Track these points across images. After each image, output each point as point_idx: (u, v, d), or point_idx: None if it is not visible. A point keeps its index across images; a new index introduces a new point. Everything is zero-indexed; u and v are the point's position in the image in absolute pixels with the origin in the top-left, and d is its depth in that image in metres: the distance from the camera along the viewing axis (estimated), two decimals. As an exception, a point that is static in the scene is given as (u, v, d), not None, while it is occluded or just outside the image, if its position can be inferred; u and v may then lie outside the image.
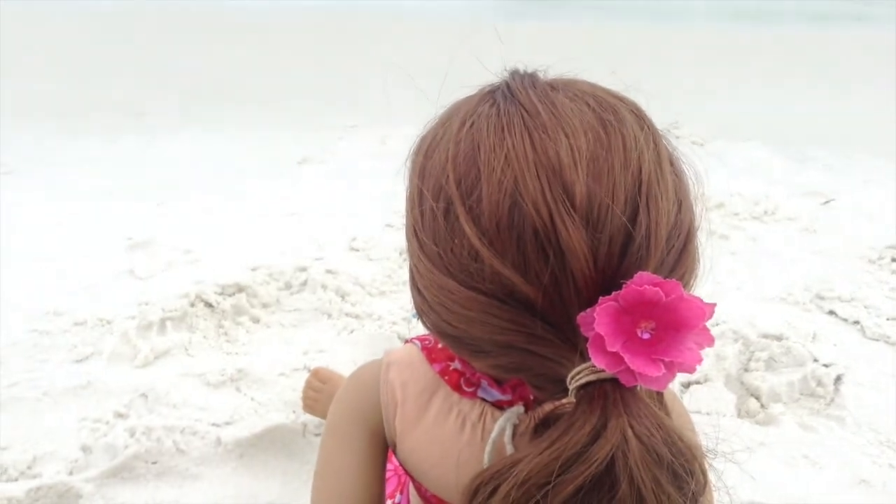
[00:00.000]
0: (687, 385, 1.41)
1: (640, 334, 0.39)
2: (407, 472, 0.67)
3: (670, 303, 0.38)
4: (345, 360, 1.45)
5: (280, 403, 1.34)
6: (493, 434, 0.55)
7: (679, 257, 0.44)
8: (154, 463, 1.19)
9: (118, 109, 3.17)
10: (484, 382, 0.59)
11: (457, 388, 0.60)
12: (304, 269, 1.75)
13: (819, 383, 1.40)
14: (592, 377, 0.40)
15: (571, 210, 0.40)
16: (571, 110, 0.44)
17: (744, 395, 1.41)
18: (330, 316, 1.63)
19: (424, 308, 0.49)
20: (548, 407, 0.50)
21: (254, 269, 1.75)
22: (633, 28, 4.69)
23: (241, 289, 1.65)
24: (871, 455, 1.25)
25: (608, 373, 0.39)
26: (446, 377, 0.60)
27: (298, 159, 2.63)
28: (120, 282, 1.75)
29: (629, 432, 0.38)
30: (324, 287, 1.69)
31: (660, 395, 0.45)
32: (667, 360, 0.38)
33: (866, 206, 2.31)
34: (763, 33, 4.80)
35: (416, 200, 0.48)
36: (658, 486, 0.38)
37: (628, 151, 0.43)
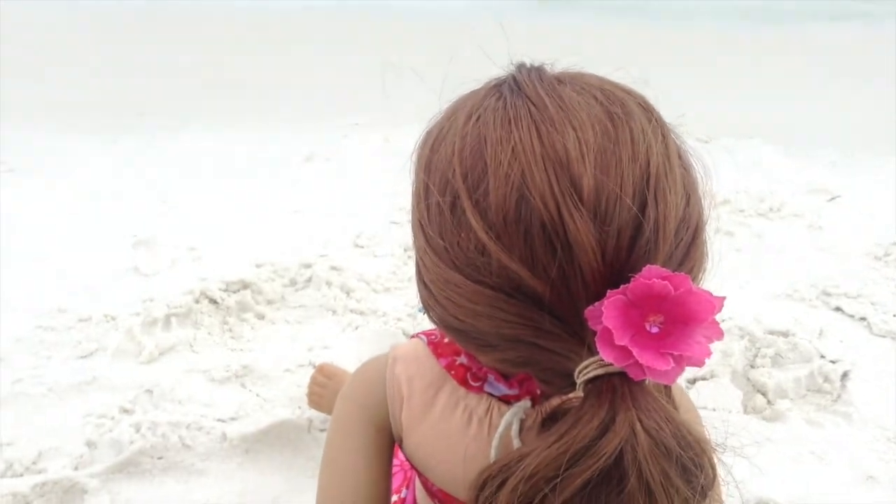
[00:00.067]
0: (693, 381, 1.40)
1: (648, 328, 0.38)
2: (413, 467, 0.66)
3: (679, 296, 0.38)
4: (350, 357, 1.45)
5: (285, 399, 1.34)
6: (500, 428, 0.55)
7: (687, 251, 0.44)
8: (159, 458, 1.19)
9: (118, 108, 3.17)
10: (490, 377, 0.59)
11: (463, 382, 0.59)
12: (308, 266, 1.75)
13: (826, 379, 1.40)
14: (601, 371, 0.40)
15: (579, 203, 0.40)
16: (579, 103, 0.44)
17: (750, 391, 1.41)
18: (335, 312, 1.63)
19: (431, 302, 0.49)
20: (555, 401, 0.50)
21: (258, 266, 1.75)
22: (637, 26, 4.67)
23: (245, 285, 1.65)
24: (878, 451, 1.25)
25: (616, 367, 0.39)
26: (452, 372, 0.60)
27: (302, 157, 2.63)
28: (124, 279, 1.75)
29: (638, 426, 0.38)
30: (328, 284, 1.69)
31: (668, 389, 0.45)
32: (675, 353, 0.38)
33: (872, 202, 2.30)
34: (769, 32, 4.78)
35: (423, 194, 0.48)
36: (667, 480, 0.38)
37: (636, 144, 0.42)
